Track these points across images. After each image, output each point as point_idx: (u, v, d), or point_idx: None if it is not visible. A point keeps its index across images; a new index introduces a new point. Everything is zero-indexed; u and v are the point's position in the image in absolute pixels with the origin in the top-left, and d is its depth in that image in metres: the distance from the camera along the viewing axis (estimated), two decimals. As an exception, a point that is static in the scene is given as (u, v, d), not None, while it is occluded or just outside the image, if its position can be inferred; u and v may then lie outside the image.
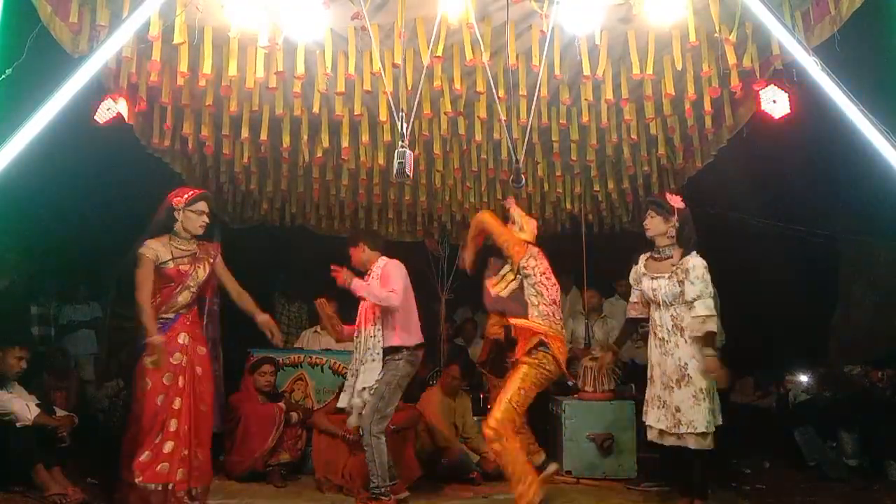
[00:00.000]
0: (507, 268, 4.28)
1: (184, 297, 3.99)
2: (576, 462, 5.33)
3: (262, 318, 4.14)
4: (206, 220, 4.09)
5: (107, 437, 5.11)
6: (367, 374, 4.30)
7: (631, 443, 5.14)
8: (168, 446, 3.77)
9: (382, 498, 4.16)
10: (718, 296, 5.72)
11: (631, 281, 4.36)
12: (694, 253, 4.07)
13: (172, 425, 3.80)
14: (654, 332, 4.17)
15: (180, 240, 4.03)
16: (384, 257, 4.55)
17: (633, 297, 4.35)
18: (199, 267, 4.04)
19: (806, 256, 7.19)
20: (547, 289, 4.20)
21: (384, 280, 4.38)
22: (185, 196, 4.04)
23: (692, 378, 3.94)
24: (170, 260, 3.94)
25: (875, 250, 7.07)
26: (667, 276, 4.09)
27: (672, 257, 4.11)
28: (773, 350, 7.31)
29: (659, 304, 4.12)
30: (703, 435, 3.90)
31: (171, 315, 3.96)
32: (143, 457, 3.74)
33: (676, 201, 4.20)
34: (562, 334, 4.23)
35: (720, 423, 4.02)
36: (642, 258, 4.32)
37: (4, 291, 6.29)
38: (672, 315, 4.05)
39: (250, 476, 4.96)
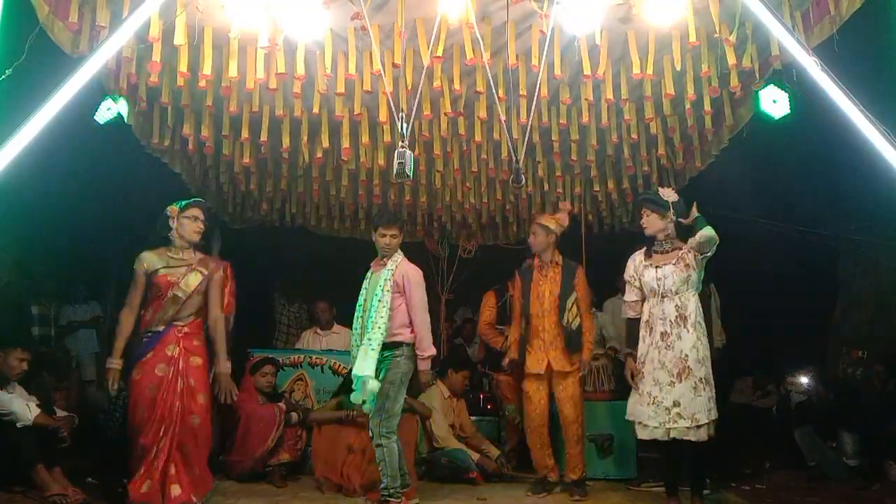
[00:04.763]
0: (571, 299, 4.74)
1: (173, 309, 3.98)
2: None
3: (221, 368, 4.10)
4: (201, 226, 4.13)
5: (107, 438, 5.11)
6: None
7: (631, 443, 5.12)
8: (152, 463, 3.79)
9: (392, 500, 4.07)
10: (719, 295, 5.79)
11: (628, 278, 4.23)
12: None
13: (157, 441, 3.81)
14: (653, 327, 4.06)
15: (177, 249, 4.06)
16: (399, 252, 4.31)
17: (633, 296, 4.20)
18: (188, 276, 4.04)
19: (806, 256, 7.18)
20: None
21: (411, 294, 4.20)
22: (181, 204, 4.11)
23: (692, 370, 3.90)
24: (162, 268, 3.96)
25: (875, 250, 7.06)
26: (673, 262, 4.03)
27: (679, 248, 4.05)
28: (773, 350, 7.31)
29: (663, 295, 4.03)
30: (705, 426, 3.87)
31: (160, 328, 3.97)
32: (136, 474, 3.78)
33: (670, 195, 4.14)
34: None
35: (716, 416, 4.01)
36: (638, 253, 4.23)
37: (4, 291, 6.28)
38: (676, 305, 3.98)
39: (250, 476, 4.95)
